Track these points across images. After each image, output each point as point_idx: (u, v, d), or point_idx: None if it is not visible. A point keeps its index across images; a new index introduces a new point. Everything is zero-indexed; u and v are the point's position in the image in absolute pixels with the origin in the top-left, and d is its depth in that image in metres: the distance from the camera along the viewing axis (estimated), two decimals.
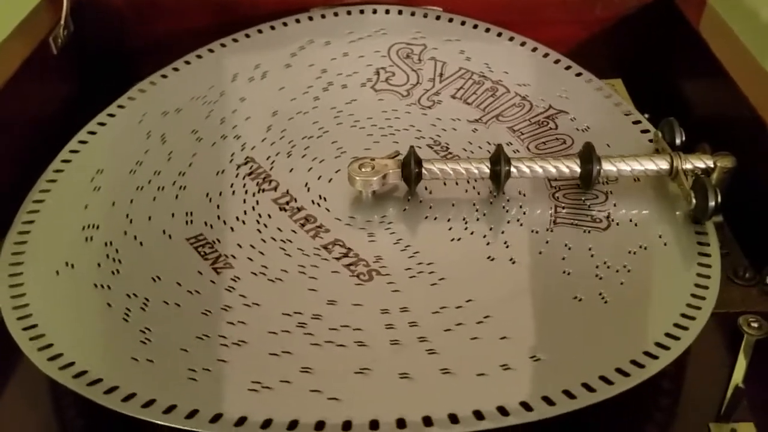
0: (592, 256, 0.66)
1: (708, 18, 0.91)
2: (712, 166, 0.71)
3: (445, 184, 0.74)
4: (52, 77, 0.89)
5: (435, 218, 0.72)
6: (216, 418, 0.55)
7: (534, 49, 0.91)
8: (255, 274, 0.68)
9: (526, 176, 0.73)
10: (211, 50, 0.92)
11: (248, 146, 0.81)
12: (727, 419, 0.58)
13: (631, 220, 0.69)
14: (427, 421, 0.54)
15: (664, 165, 0.71)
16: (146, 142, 0.82)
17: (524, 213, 0.71)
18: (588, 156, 0.72)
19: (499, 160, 0.72)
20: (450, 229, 0.71)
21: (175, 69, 0.90)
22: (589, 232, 0.69)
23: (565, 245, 0.68)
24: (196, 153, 0.81)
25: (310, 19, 0.95)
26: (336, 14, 0.96)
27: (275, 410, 0.56)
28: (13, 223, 0.73)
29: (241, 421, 0.55)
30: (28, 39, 0.85)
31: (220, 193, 0.76)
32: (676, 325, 0.60)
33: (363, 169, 0.72)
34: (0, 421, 0.61)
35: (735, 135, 0.76)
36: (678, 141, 0.74)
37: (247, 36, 0.93)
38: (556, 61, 0.90)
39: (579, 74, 0.88)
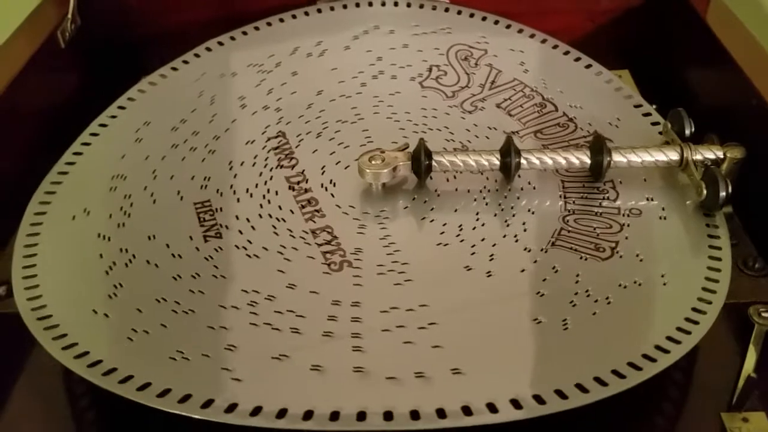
0: (576, 282, 0.61)
1: (715, 8, 0.85)
2: (721, 156, 0.67)
3: (456, 190, 0.70)
4: (61, 71, 0.88)
5: (432, 220, 0.67)
6: (126, 379, 0.54)
7: (566, 52, 0.85)
8: (237, 247, 0.66)
9: (536, 168, 0.68)
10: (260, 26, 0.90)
11: (284, 120, 0.79)
12: (739, 408, 0.55)
13: (637, 255, 0.63)
14: (308, 415, 0.51)
15: (674, 156, 0.68)
16: (196, 101, 0.81)
17: (525, 230, 0.66)
18: (598, 147, 0.67)
19: (509, 151, 0.67)
20: (442, 233, 0.66)
21: (233, 38, 0.89)
22: (585, 259, 0.63)
23: (553, 267, 0.62)
24: (236, 119, 0.79)
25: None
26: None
27: (178, 382, 0.54)
28: (57, 162, 0.74)
29: (144, 386, 0.54)
30: (35, 33, 0.84)
31: (242, 163, 0.74)
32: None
33: (373, 162, 0.69)
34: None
35: (743, 125, 0.72)
36: (687, 131, 0.70)
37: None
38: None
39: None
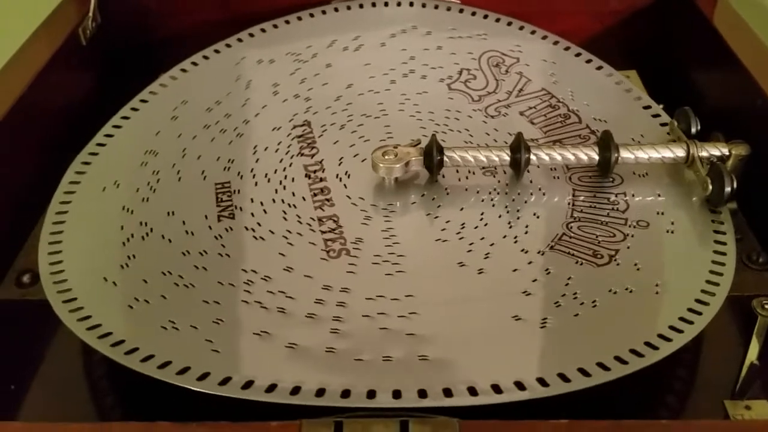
0: (566, 285, 0.61)
1: (721, 9, 0.86)
2: (727, 153, 0.69)
3: (466, 190, 0.71)
4: (81, 68, 0.89)
5: (436, 217, 0.69)
6: (117, 343, 0.57)
7: (599, 67, 0.85)
8: (246, 228, 0.68)
9: (545, 163, 0.70)
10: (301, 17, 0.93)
11: (312, 110, 0.81)
12: (742, 396, 0.57)
13: (635, 264, 0.64)
14: (271, 388, 0.53)
15: (680, 152, 0.69)
16: (233, 84, 0.84)
17: (526, 233, 0.67)
18: (606, 143, 0.69)
19: (519, 147, 0.69)
20: (444, 229, 0.68)
21: (275, 26, 0.92)
22: (581, 264, 0.63)
23: (546, 270, 0.63)
24: (267, 105, 0.81)
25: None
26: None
27: (162, 349, 0.56)
28: (96, 134, 0.77)
29: (131, 351, 0.56)
30: (57, 31, 0.85)
31: (266, 148, 0.76)
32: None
33: (386, 156, 0.70)
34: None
35: (748, 125, 0.72)
36: (693, 130, 0.71)
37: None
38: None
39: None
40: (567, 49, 0.87)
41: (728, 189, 0.64)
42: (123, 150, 0.76)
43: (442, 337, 0.58)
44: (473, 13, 0.92)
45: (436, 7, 0.92)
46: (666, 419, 0.57)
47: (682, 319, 0.58)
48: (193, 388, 0.53)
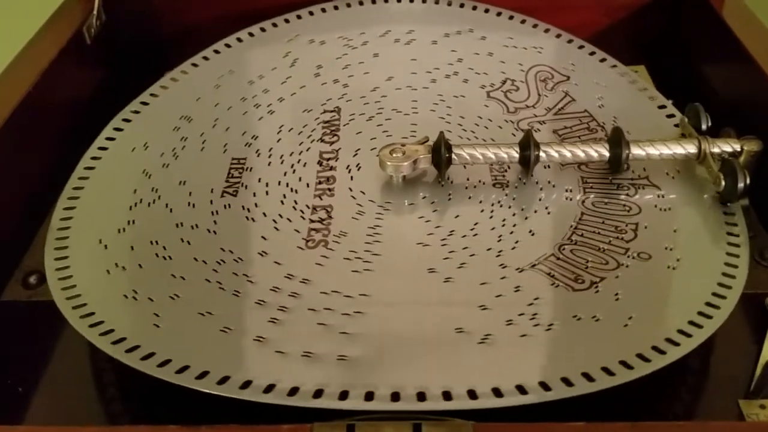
0: (529, 305, 0.59)
1: (731, 2, 0.84)
2: (739, 149, 0.68)
3: (469, 198, 0.71)
4: (87, 65, 0.89)
5: (428, 221, 0.68)
6: (78, 306, 0.59)
7: (651, 98, 0.82)
8: (243, 208, 0.69)
9: (555, 160, 0.70)
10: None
11: (346, 98, 0.82)
12: (756, 395, 0.57)
13: (615, 294, 0.60)
14: (182, 369, 0.53)
15: (692, 149, 0.69)
16: (279, 61, 0.86)
17: (513, 248, 0.65)
18: (617, 140, 0.69)
19: (528, 144, 0.69)
20: (430, 234, 0.66)
21: (336, 7, 0.93)
22: (557, 286, 0.61)
23: (516, 287, 0.61)
24: (305, 86, 0.83)
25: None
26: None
27: (111, 317, 0.58)
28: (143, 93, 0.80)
29: (86, 315, 0.58)
30: (62, 29, 0.85)
31: (290, 129, 0.78)
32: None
33: (394, 154, 0.70)
34: None
35: (758, 120, 0.72)
36: (704, 126, 0.71)
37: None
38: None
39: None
40: (623, 74, 0.85)
41: (742, 185, 0.64)
42: (163, 111, 0.79)
43: (371, 337, 0.57)
44: (534, 26, 0.91)
45: (499, 14, 0.91)
46: (680, 419, 0.57)
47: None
48: (119, 360, 0.55)
